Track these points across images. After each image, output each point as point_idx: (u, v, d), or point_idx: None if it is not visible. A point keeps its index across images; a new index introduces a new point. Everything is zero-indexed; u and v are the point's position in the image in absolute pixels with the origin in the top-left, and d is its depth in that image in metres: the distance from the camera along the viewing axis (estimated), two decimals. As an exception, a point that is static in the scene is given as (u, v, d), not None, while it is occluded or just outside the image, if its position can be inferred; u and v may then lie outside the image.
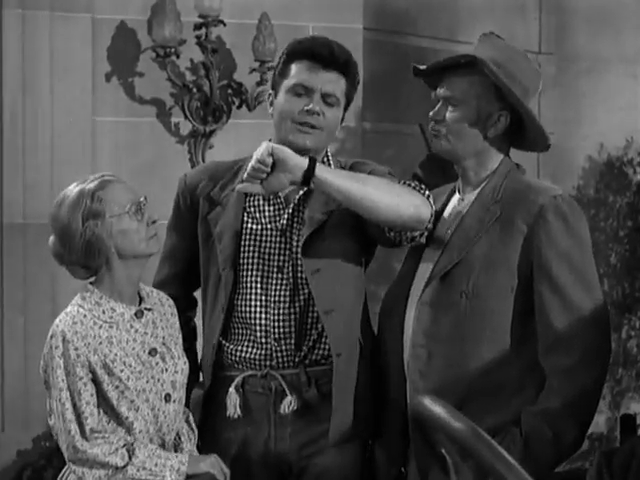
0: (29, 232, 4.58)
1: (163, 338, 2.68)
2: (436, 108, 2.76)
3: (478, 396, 2.63)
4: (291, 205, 2.80)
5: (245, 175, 2.62)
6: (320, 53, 2.76)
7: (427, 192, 2.72)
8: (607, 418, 5.73)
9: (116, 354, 2.58)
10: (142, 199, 2.62)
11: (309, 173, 2.59)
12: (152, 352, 2.64)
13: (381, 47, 5.34)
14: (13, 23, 4.58)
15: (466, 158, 2.76)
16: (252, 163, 2.58)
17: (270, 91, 2.84)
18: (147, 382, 2.60)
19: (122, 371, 2.58)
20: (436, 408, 1.68)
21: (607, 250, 5.84)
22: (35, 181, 4.62)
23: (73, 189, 2.61)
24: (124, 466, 2.56)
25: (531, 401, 2.63)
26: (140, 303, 2.67)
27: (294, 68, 2.77)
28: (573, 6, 5.97)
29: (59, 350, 2.55)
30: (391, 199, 2.64)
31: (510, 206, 2.69)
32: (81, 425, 2.55)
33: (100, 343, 2.57)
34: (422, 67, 2.81)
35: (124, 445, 2.57)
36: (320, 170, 2.61)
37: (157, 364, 2.63)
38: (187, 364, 2.71)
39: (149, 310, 2.67)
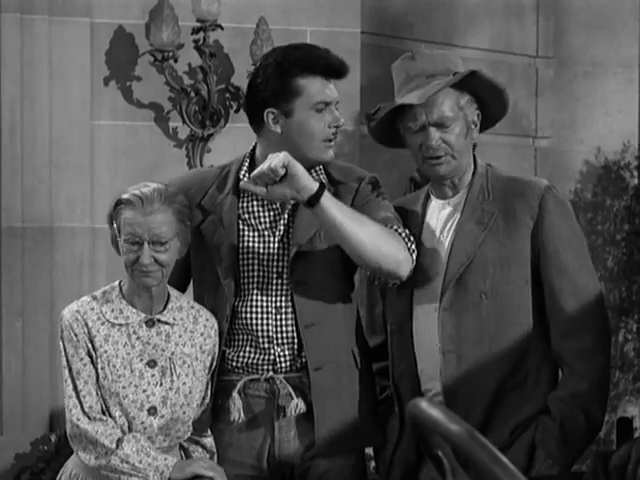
0: (27, 236, 4.58)
1: (172, 354, 2.67)
2: (431, 135, 2.74)
3: (507, 391, 2.72)
4: (287, 211, 2.81)
5: (253, 174, 2.63)
6: (335, 66, 2.77)
7: (413, 246, 2.73)
8: (604, 421, 5.73)
9: (105, 351, 2.61)
10: (146, 241, 2.60)
11: (315, 199, 2.61)
12: (150, 363, 2.65)
13: (379, 51, 5.34)
14: (11, 27, 4.58)
15: (463, 170, 2.81)
16: (264, 168, 2.59)
17: (271, 109, 2.76)
18: (124, 388, 2.61)
19: (102, 369, 2.61)
20: (432, 410, 1.69)
21: (604, 254, 5.84)
22: (33, 185, 4.62)
23: (131, 187, 2.65)
24: (112, 452, 2.58)
25: (548, 388, 2.74)
26: (159, 313, 2.69)
27: (308, 84, 2.74)
28: (571, 10, 5.98)
29: (62, 332, 2.64)
30: (378, 251, 2.67)
31: (506, 202, 2.76)
32: (80, 402, 2.60)
33: (95, 336, 2.62)
34: (416, 100, 2.75)
35: (121, 433, 2.61)
36: (325, 199, 2.63)
37: (152, 376, 2.64)
38: (188, 385, 2.68)
39: (165, 323, 2.67)
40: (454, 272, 2.74)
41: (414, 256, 2.72)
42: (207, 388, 2.75)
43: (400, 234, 2.73)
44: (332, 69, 2.77)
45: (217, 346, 2.76)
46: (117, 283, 2.70)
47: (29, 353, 4.51)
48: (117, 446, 2.58)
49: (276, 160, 2.59)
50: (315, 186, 2.62)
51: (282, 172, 2.58)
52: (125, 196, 2.62)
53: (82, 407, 2.60)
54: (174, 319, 2.68)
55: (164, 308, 2.69)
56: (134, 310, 2.65)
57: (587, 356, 2.70)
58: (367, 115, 2.87)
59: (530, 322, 2.74)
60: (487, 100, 2.81)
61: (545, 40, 5.94)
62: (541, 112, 5.68)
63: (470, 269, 2.73)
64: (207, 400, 2.76)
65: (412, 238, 2.73)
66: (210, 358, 2.75)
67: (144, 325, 2.65)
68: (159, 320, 2.67)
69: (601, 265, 5.78)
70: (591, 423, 2.73)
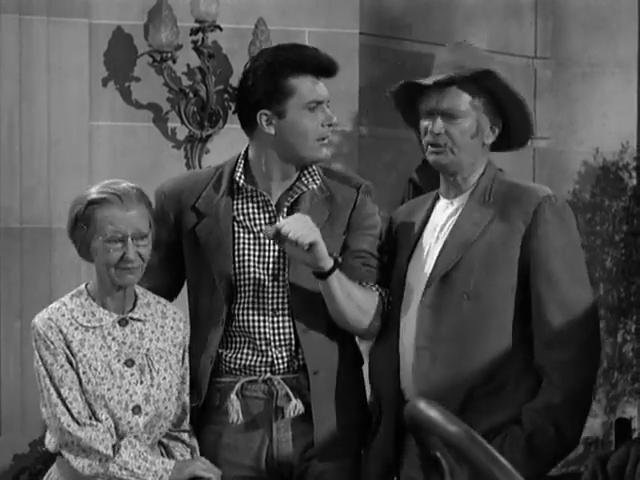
0: (26, 237, 4.59)
1: (148, 350, 2.66)
2: (436, 122, 2.75)
3: (481, 396, 2.67)
4: (282, 214, 2.80)
5: (278, 228, 2.64)
6: (326, 65, 2.77)
7: (389, 306, 2.82)
8: (602, 422, 5.74)
9: (84, 355, 2.60)
10: (129, 236, 2.59)
11: (323, 276, 2.69)
12: (128, 362, 2.63)
13: (378, 52, 5.35)
14: (10, 28, 4.58)
15: (465, 168, 2.79)
16: (292, 237, 2.61)
17: (264, 111, 2.77)
18: (109, 390, 2.60)
19: (84, 373, 2.59)
20: (431, 411, 1.69)
21: (603, 254, 5.85)
22: (32, 186, 4.62)
23: (92, 187, 2.64)
24: (107, 459, 2.57)
25: (527, 398, 2.67)
26: (131, 312, 2.68)
27: (300, 84, 2.74)
28: (569, 11, 5.98)
29: (37, 342, 2.61)
30: (354, 322, 2.79)
31: (504, 207, 2.73)
32: (68, 409, 2.57)
33: (71, 342, 2.60)
34: (427, 82, 2.77)
35: (112, 437, 2.59)
36: (332, 278, 2.70)
37: (132, 375, 2.63)
38: (168, 379, 2.68)
39: (137, 320, 2.68)
40: (440, 269, 2.72)
41: (384, 317, 2.83)
42: (182, 382, 2.75)
43: (381, 295, 2.82)
44: (322, 68, 2.77)
45: (187, 338, 2.77)
46: (83, 286, 2.68)
47: (28, 354, 4.49)
48: (113, 452, 2.57)
49: (304, 239, 2.62)
50: (330, 265, 2.68)
51: (305, 249, 2.63)
52: (96, 195, 2.60)
53: (71, 413, 2.58)
54: (145, 315, 2.69)
55: (134, 306, 2.69)
56: (106, 311, 2.64)
57: (567, 369, 2.63)
58: (389, 90, 2.87)
59: (510, 329, 2.69)
60: (508, 113, 2.77)
61: (543, 41, 5.94)
62: (539, 113, 5.68)
63: (457, 269, 2.70)
64: (184, 394, 2.75)
65: (390, 298, 2.82)
66: (182, 351, 2.75)
67: (117, 325, 2.64)
68: (131, 318, 2.66)
69: (600, 266, 5.79)
70: (562, 438, 2.64)
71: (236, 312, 2.79)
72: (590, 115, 5.97)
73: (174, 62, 4.78)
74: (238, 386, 2.78)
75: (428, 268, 2.76)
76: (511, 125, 2.81)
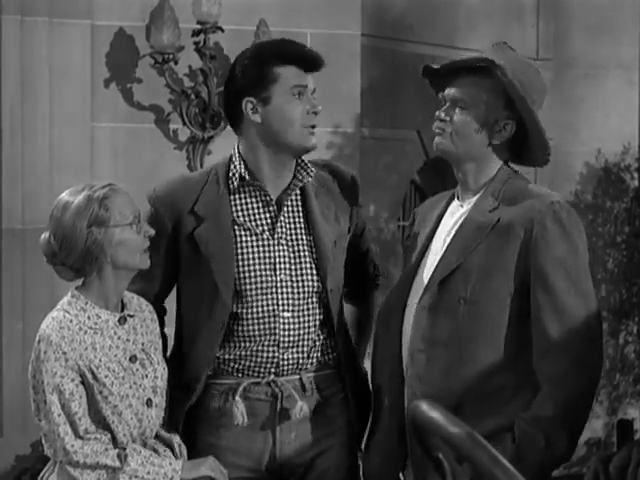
0: (28, 238, 4.58)
1: (142, 344, 2.68)
2: (444, 108, 2.74)
3: (475, 400, 2.64)
4: (283, 213, 2.80)
5: None
6: (310, 59, 2.78)
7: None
8: (604, 423, 5.74)
9: (100, 360, 2.59)
10: (140, 212, 2.64)
11: None
12: (132, 359, 2.64)
13: (379, 53, 5.35)
14: (12, 29, 4.59)
15: (466, 161, 2.76)
16: None
17: (249, 98, 2.76)
18: (130, 388, 2.60)
19: (106, 377, 2.58)
20: (433, 413, 1.69)
21: (604, 256, 5.85)
22: (34, 187, 4.62)
23: (78, 193, 2.62)
24: (115, 469, 2.56)
25: (528, 406, 2.62)
26: (123, 309, 2.68)
27: (285, 71, 2.74)
28: (571, 12, 5.99)
29: (48, 354, 2.57)
30: None
31: (508, 213, 2.68)
32: (73, 425, 2.55)
33: (85, 349, 2.58)
34: (436, 67, 2.79)
35: (115, 447, 2.58)
36: None
37: (137, 370, 2.63)
38: (166, 369, 2.71)
39: (131, 317, 2.68)
40: (439, 274, 2.70)
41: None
42: None
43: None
44: (306, 60, 2.77)
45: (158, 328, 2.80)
46: (77, 292, 2.66)
47: (29, 355, 4.51)
48: (121, 462, 2.57)
49: None
50: None
51: None
52: (100, 192, 2.59)
53: (76, 431, 2.55)
54: (134, 311, 2.70)
55: (123, 304, 2.70)
56: (108, 311, 2.64)
57: (559, 381, 2.58)
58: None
59: (506, 335, 2.64)
60: (523, 116, 2.75)
61: (545, 42, 5.95)
62: (541, 113, 5.68)
63: (456, 273, 2.67)
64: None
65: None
66: (161, 341, 2.77)
67: (118, 324, 2.65)
68: (128, 315, 2.67)
69: (601, 267, 5.79)
70: (552, 451, 2.57)
71: (239, 314, 2.78)
72: (592, 116, 5.97)
73: (176, 63, 4.78)
74: (242, 388, 2.78)
75: (430, 271, 2.75)
76: (528, 134, 2.77)
